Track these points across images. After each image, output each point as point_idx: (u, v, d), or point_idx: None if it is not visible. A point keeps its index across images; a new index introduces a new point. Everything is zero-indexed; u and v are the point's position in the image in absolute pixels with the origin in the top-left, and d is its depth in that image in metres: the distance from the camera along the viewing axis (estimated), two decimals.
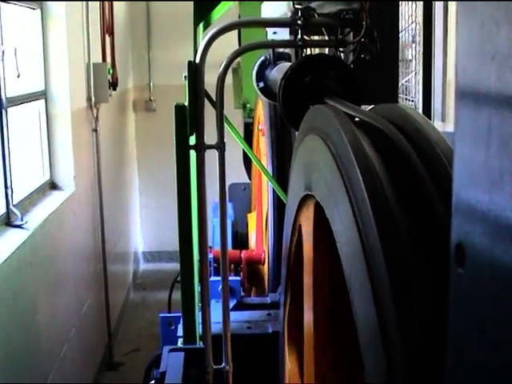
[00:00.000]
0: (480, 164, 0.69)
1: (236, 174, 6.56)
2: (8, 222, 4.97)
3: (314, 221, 1.84)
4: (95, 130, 7.39)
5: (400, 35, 3.99)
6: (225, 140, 2.64)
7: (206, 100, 2.67)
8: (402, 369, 1.05)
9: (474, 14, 0.71)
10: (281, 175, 4.25)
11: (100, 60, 7.75)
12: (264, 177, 4.34)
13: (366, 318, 1.20)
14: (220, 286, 2.75)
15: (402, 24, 5.75)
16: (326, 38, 2.57)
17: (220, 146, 2.63)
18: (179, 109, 2.62)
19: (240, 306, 3.46)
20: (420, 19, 5.93)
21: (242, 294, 3.71)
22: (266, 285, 4.55)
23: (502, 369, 0.69)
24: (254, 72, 3.65)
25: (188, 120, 2.60)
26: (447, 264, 0.78)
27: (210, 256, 4.09)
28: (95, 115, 7.37)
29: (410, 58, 6.30)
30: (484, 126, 0.68)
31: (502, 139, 0.65)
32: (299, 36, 2.50)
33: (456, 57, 0.74)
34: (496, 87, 0.66)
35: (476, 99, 0.70)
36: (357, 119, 1.76)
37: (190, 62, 2.60)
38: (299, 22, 2.47)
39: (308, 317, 1.92)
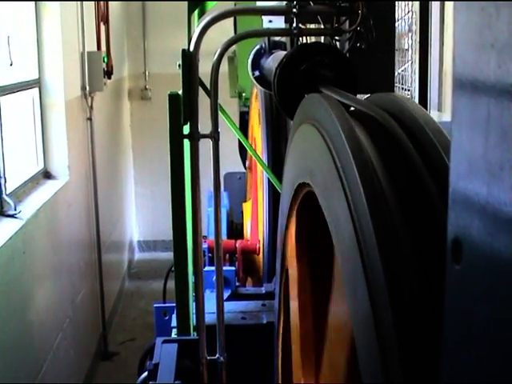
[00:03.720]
0: (478, 155, 0.67)
1: (232, 163, 6.54)
2: (1, 211, 4.94)
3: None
4: (90, 119, 7.35)
5: (396, 24, 3.96)
6: (220, 129, 2.61)
7: (200, 89, 2.64)
8: (397, 365, 1.03)
9: None
10: (276, 164, 4.23)
11: (95, 48, 7.70)
12: (259, 166, 4.32)
13: (362, 315, 1.18)
14: (214, 276, 2.73)
15: (398, 13, 5.72)
16: (322, 26, 2.55)
17: (214, 136, 2.61)
18: (173, 98, 2.59)
19: (234, 297, 3.44)
20: (416, 8, 5.90)
21: (237, 284, 3.69)
22: (261, 275, 4.53)
23: (499, 367, 0.67)
24: (250, 61, 3.63)
25: (182, 109, 2.58)
26: (443, 258, 0.75)
27: (205, 246, 4.07)
28: (90, 104, 7.33)
29: (406, 47, 6.27)
30: (483, 116, 0.65)
31: (502, 129, 0.63)
32: (294, 24, 2.47)
33: (454, 43, 0.71)
34: (496, 75, 0.63)
35: (474, 88, 0.67)
36: (352, 108, 1.73)
37: (183, 50, 2.57)
38: (294, 9, 2.44)
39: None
